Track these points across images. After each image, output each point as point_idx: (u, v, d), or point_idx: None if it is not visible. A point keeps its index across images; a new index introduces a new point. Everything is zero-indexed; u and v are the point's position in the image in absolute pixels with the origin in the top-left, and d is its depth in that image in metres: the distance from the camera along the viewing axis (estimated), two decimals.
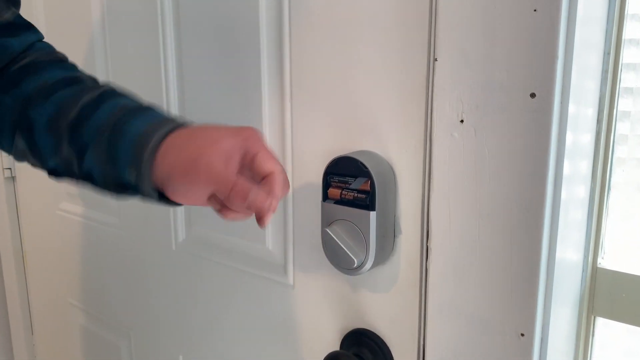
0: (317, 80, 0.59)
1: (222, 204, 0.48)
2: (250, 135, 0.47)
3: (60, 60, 0.57)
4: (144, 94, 0.80)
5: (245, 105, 0.67)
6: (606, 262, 0.57)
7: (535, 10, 0.41)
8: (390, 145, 0.54)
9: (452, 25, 0.46)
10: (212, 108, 0.71)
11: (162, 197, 0.49)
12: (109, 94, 0.52)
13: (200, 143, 0.46)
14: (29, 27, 0.57)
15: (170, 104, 0.77)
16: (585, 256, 0.56)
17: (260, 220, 0.46)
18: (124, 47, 0.82)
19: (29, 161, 0.56)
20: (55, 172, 0.55)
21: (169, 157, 0.47)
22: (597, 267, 0.57)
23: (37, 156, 0.54)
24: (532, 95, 0.43)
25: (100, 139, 0.49)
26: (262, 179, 0.47)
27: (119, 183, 0.50)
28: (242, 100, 0.67)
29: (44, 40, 0.60)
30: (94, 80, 0.55)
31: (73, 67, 0.57)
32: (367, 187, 0.52)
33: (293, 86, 0.61)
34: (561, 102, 0.43)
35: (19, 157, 0.55)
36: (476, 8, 0.44)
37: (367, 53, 0.54)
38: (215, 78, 0.70)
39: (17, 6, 0.57)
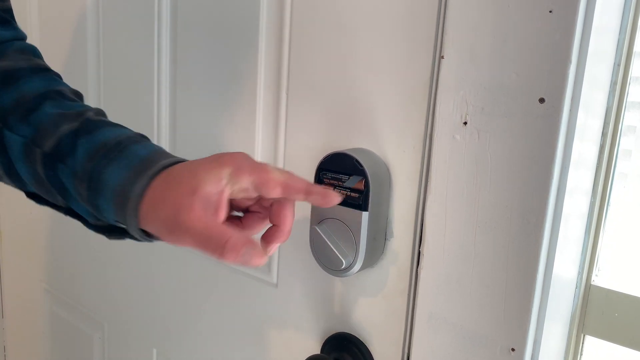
0: (316, 72, 0.56)
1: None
2: (237, 166, 0.42)
3: (42, 69, 0.51)
4: (134, 75, 0.77)
5: (239, 95, 0.65)
6: (600, 279, 0.56)
7: (550, 12, 0.39)
8: (388, 144, 0.52)
9: (461, 21, 0.44)
10: (205, 97, 0.69)
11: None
12: (89, 123, 0.46)
13: (177, 196, 0.41)
14: (4, 22, 0.52)
15: (161, 91, 0.74)
16: (580, 272, 0.55)
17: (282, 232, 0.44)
18: (118, 38, 0.79)
19: (4, 182, 0.50)
20: (36, 198, 0.50)
21: (149, 218, 0.43)
22: (590, 284, 0.55)
23: (15, 180, 0.49)
24: (541, 100, 0.41)
25: (80, 189, 0.45)
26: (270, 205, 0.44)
27: (107, 225, 0.46)
28: (236, 89, 0.65)
29: (27, 41, 0.55)
30: (76, 98, 0.51)
31: (55, 79, 0.52)
32: (361, 187, 0.50)
33: (290, 77, 0.59)
34: (570, 110, 0.41)
35: None
36: (488, 4, 0.42)
37: (370, 47, 0.52)
38: (210, 65, 0.67)
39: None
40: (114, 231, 0.47)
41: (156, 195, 0.42)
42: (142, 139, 0.47)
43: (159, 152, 0.45)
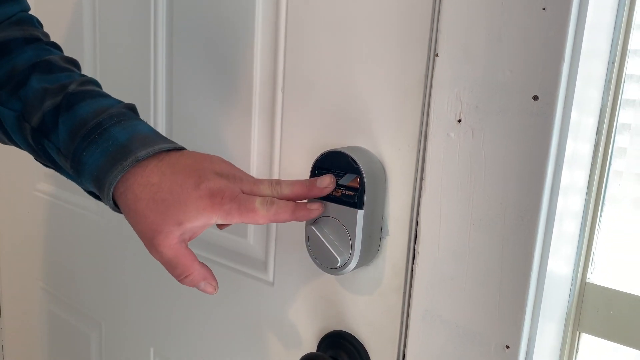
0: (311, 71, 0.56)
1: None
2: (226, 211, 0.44)
3: (35, 39, 0.53)
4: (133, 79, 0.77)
5: (235, 93, 0.65)
6: (596, 277, 0.56)
7: (544, 9, 0.40)
8: (383, 142, 0.52)
9: (455, 19, 0.44)
10: (201, 95, 0.69)
11: None
12: (70, 97, 0.47)
13: (159, 221, 0.43)
14: None
15: (158, 88, 0.74)
16: (575, 270, 0.55)
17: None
18: (114, 37, 0.80)
19: (5, 143, 0.53)
20: (38, 160, 0.52)
21: (126, 215, 0.45)
22: (586, 282, 0.56)
23: (17, 146, 0.52)
24: (535, 97, 0.41)
25: (66, 164, 0.47)
26: None
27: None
28: (232, 88, 0.65)
29: (30, 12, 0.56)
30: (68, 66, 0.51)
31: (47, 48, 0.53)
32: (356, 184, 0.50)
33: (286, 75, 0.59)
34: (564, 108, 0.41)
35: None
36: (482, 2, 0.42)
37: (365, 45, 0.52)
38: (206, 63, 0.67)
39: None
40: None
41: (138, 205, 0.43)
42: (125, 116, 0.47)
43: (139, 138, 0.45)
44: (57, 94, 0.47)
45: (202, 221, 0.43)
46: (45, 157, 0.48)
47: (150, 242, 0.43)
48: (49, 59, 0.50)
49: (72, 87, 0.47)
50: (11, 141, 0.51)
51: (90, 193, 0.50)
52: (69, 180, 0.51)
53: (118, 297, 0.89)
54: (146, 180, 0.43)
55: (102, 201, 0.49)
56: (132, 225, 0.45)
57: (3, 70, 0.49)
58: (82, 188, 0.50)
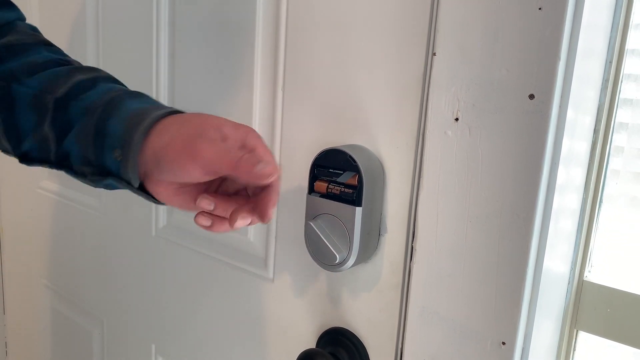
0: (311, 70, 0.57)
1: (211, 213, 0.46)
2: (249, 130, 0.45)
3: (46, 44, 0.54)
4: (134, 69, 0.78)
5: (236, 92, 0.65)
6: (593, 275, 0.56)
7: (540, 9, 0.40)
8: (382, 140, 0.52)
9: (453, 19, 0.44)
10: (203, 93, 0.69)
11: (143, 189, 0.46)
12: (105, 78, 0.49)
13: (201, 123, 0.45)
14: (7, 5, 0.54)
15: (160, 86, 0.75)
16: (572, 268, 0.55)
17: (264, 214, 0.43)
18: (116, 36, 0.80)
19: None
20: (27, 157, 0.51)
21: (165, 135, 0.44)
22: (583, 280, 0.56)
23: (12, 137, 0.50)
24: (531, 96, 0.41)
25: (90, 117, 0.46)
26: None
27: (99, 167, 0.46)
28: (234, 87, 0.65)
29: (27, 22, 0.57)
30: (86, 66, 0.53)
31: (61, 51, 0.54)
32: (355, 182, 0.50)
33: (286, 74, 0.59)
34: (560, 106, 0.42)
35: None
36: (479, 2, 0.43)
37: (365, 44, 0.52)
38: (207, 62, 0.68)
39: None
40: (97, 174, 0.47)
41: (178, 120, 0.45)
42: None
43: (155, 108, 0.48)
44: (89, 72, 0.49)
45: (235, 134, 0.44)
46: (53, 128, 0.48)
47: (193, 145, 0.43)
48: (69, 59, 0.53)
49: (104, 72, 0.50)
50: (6, 131, 0.50)
51: (80, 175, 0.49)
52: (73, 179, 0.50)
53: (120, 294, 0.90)
54: (173, 119, 0.46)
55: (97, 175, 0.48)
56: (175, 141, 0.44)
57: (19, 62, 0.50)
58: (73, 172, 0.49)
